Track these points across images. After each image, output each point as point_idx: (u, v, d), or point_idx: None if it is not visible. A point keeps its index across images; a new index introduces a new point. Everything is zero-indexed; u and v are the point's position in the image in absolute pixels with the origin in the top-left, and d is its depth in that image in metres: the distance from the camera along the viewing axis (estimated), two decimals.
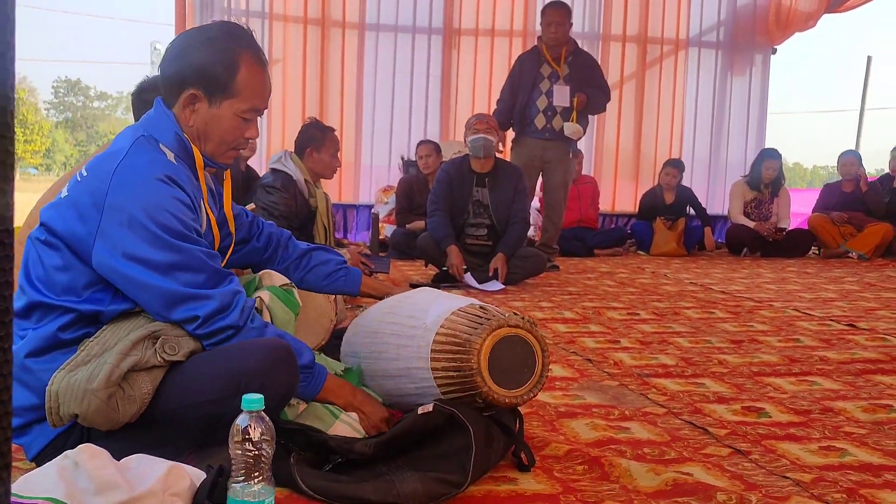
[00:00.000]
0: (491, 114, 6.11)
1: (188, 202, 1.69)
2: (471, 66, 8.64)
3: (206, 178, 1.87)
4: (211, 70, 1.75)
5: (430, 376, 1.75)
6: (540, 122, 5.94)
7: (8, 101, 0.73)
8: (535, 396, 1.78)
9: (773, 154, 7.90)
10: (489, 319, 1.72)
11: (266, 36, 8.15)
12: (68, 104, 59.62)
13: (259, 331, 1.72)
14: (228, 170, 1.94)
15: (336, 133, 4.67)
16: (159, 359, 1.61)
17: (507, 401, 1.72)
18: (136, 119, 2.17)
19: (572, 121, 5.82)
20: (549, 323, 3.73)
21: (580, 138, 6.03)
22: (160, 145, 1.73)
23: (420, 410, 1.67)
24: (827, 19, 9.19)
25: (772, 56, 9.28)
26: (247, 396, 1.39)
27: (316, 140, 4.55)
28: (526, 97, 5.93)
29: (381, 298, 2.15)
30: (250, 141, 1.86)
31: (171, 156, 1.73)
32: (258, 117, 1.84)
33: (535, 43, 6.18)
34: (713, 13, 9.07)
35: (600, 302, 4.44)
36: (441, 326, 1.75)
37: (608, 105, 6.23)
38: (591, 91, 5.85)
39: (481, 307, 1.79)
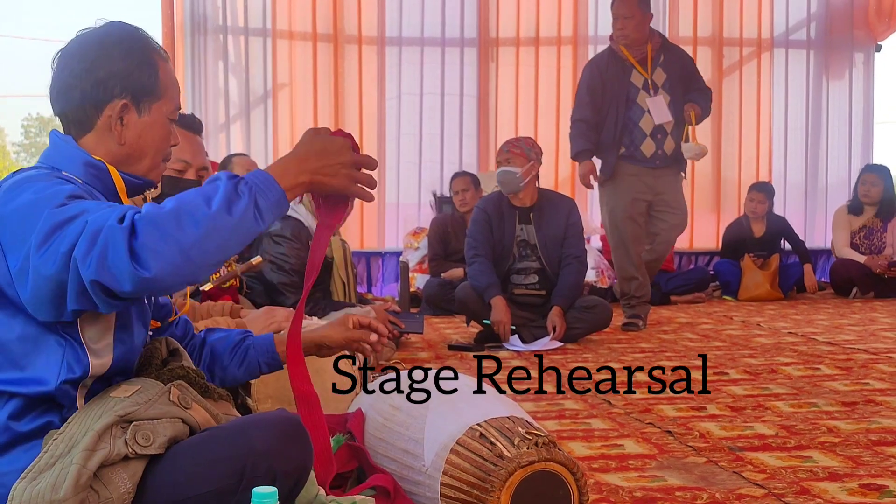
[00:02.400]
0: (569, 135, 5.90)
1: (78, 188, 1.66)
2: (512, 81, 8.72)
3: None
4: (137, 74, 1.80)
5: None
6: (648, 148, 5.62)
7: None
8: None
9: (873, 168, 7.85)
10: (496, 466, 1.71)
11: (269, 57, 8.32)
12: (41, 145, 60.95)
13: (147, 214, 1.50)
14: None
15: None
16: (131, 451, 1.58)
17: None
18: None
19: (690, 139, 5.55)
20: (619, 388, 3.70)
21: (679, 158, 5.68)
22: (63, 173, 1.73)
23: None
24: None
25: (875, 54, 9.25)
26: (257, 490, 1.39)
27: None
28: (622, 116, 5.61)
29: (318, 354, 2.12)
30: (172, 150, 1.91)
31: (76, 184, 1.72)
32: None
33: (599, 45, 6.00)
34: (801, 7, 9.08)
35: (679, 360, 4.40)
36: (444, 474, 1.76)
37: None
38: (696, 97, 5.62)
39: (481, 435, 1.78)
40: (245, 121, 8.30)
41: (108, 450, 1.56)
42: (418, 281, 7.32)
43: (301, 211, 4.56)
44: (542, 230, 5.12)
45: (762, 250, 7.70)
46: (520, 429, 1.77)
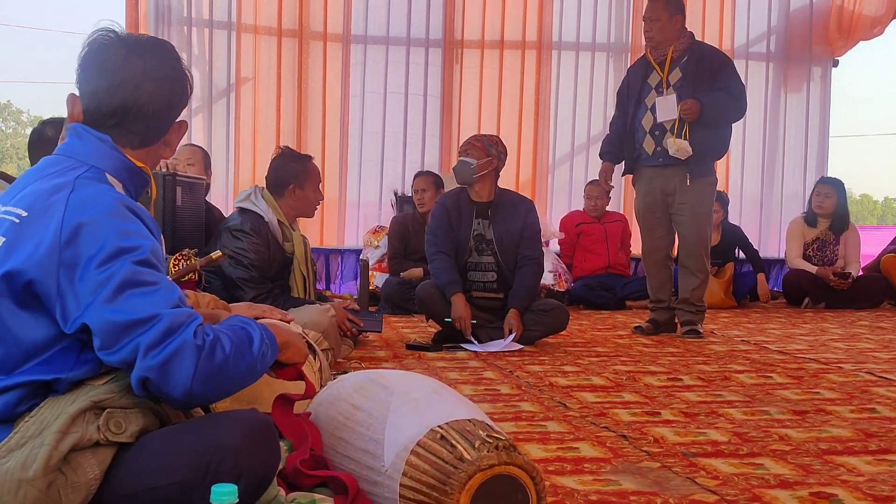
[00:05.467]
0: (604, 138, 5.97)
1: (154, 242, 1.71)
2: (476, 83, 8.74)
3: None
4: (189, 90, 1.92)
5: None
6: (649, 145, 5.58)
7: None
8: None
9: (828, 181, 7.95)
10: (456, 468, 1.71)
11: (233, 51, 8.27)
12: None
13: (216, 340, 1.65)
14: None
15: (314, 161, 4.82)
16: (103, 437, 1.60)
17: None
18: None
19: (683, 136, 5.40)
20: (575, 391, 3.72)
21: (688, 157, 5.42)
22: (107, 176, 1.76)
23: None
24: None
25: (832, 69, 9.39)
26: (216, 487, 1.38)
27: (298, 174, 4.61)
28: (632, 116, 5.67)
29: None
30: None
31: (119, 188, 1.76)
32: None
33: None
34: (762, 20, 9.19)
35: (635, 365, 4.43)
36: (403, 475, 1.76)
37: None
38: (710, 95, 5.43)
39: (442, 437, 1.78)
40: (207, 113, 8.24)
41: (80, 434, 1.58)
42: (377, 279, 7.31)
43: (262, 206, 4.52)
44: (498, 226, 5.12)
45: (717, 258, 7.73)
46: (480, 431, 1.77)
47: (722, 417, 3.25)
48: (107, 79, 1.81)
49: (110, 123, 1.81)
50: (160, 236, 1.82)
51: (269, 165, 4.73)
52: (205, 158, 6.00)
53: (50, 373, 1.63)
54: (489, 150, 5.11)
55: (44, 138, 3.51)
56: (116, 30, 1.86)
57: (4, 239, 1.68)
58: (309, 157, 4.79)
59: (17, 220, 1.69)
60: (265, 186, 4.67)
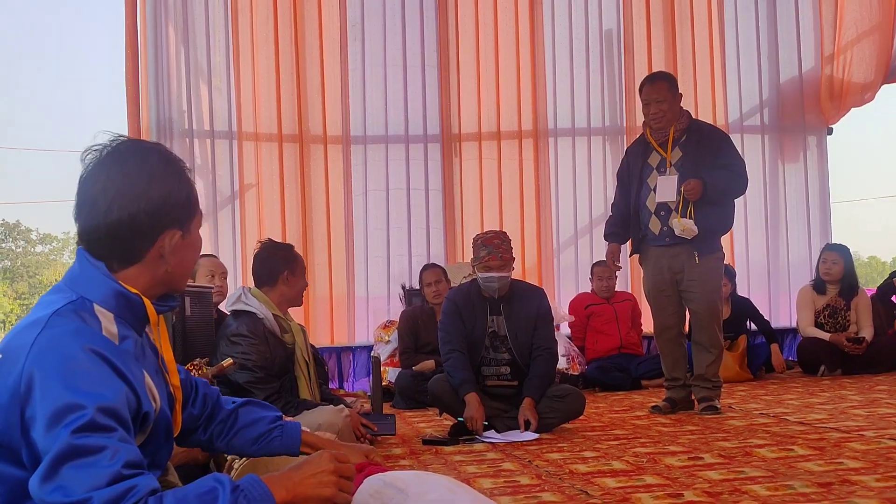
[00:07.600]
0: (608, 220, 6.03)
1: (111, 395, 1.59)
2: (476, 174, 8.84)
3: (151, 333, 1.85)
4: (184, 200, 1.78)
5: None
6: (655, 225, 5.60)
7: None
8: None
9: (833, 247, 7.98)
10: None
11: (235, 159, 8.39)
12: (6, 251, 60.46)
13: None
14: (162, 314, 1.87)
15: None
16: None
17: None
18: None
19: (688, 216, 5.42)
20: (595, 477, 3.67)
21: (694, 237, 5.44)
22: (95, 307, 1.69)
23: None
24: (886, 90, 9.41)
25: (828, 137, 9.48)
26: None
27: (288, 261, 4.65)
28: (636, 197, 5.69)
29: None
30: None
31: (108, 318, 1.69)
32: None
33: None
34: (753, 94, 9.32)
35: (654, 446, 4.38)
36: None
37: None
38: (713, 173, 5.46)
39: None
40: (213, 222, 8.30)
41: None
42: (390, 374, 7.27)
43: (254, 304, 4.51)
44: (512, 321, 5.11)
45: (728, 332, 7.68)
46: None
47: (746, 495, 3.20)
48: (78, 197, 1.75)
49: (84, 243, 1.74)
50: (141, 378, 1.70)
51: (253, 259, 4.72)
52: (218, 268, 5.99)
53: None
54: (509, 257, 5.13)
55: None
56: (101, 144, 1.76)
57: None
58: (292, 245, 4.88)
59: None
60: (254, 282, 4.68)
